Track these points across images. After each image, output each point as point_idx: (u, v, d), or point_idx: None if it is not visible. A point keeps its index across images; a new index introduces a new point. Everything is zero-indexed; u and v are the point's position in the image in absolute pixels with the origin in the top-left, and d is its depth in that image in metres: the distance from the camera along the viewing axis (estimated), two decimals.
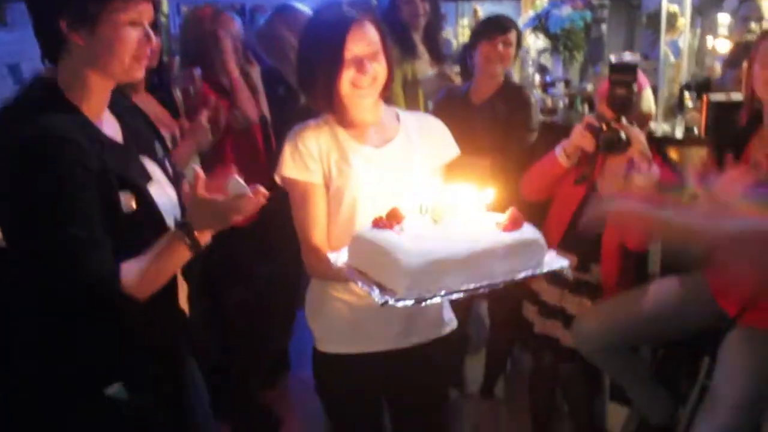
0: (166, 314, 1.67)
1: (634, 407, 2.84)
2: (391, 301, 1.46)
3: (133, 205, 1.54)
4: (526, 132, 3.14)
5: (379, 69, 1.81)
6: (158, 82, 2.91)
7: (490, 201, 1.73)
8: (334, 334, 1.95)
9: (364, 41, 1.78)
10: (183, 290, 1.74)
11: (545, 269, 1.62)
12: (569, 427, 3.10)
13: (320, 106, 1.88)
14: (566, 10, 6.81)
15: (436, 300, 1.51)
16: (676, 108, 4.11)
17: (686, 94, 3.69)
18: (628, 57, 2.34)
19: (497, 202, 1.74)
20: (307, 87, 1.89)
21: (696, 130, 3.43)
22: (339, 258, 1.70)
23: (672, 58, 4.41)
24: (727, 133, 2.31)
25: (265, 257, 3.09)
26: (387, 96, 1.95)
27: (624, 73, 2.27)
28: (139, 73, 1.58)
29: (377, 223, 1.62)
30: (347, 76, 1.78)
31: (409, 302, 1.47)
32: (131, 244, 1.54)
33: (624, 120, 2.27)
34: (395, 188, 1.81)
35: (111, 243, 1.49)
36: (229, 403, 2.80)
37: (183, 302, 1.75)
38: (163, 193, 1.66)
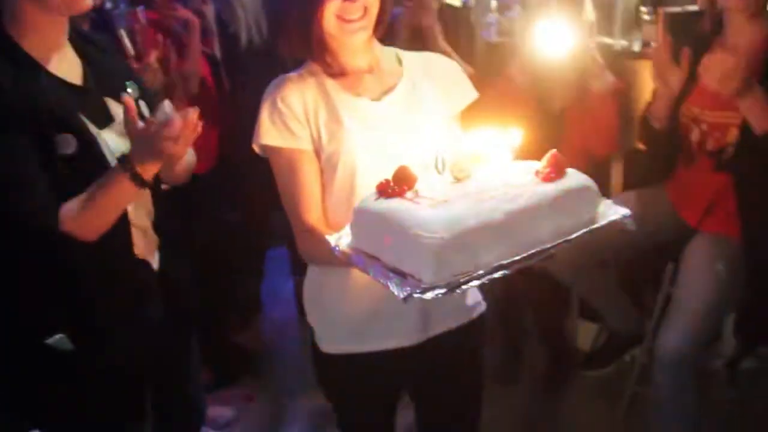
0: (119, 264, 1.62)
1: (603, 322, 2.98)
2: (416, 294, 1.11)
3: (73, 147, 1.48)
4: None
5: None
6: (102, 22, 2.72)
7: (517, 145, 1.37)
8: (339, 331, 1.60)
9: None
10: (150, 242, 1.70)
11: (604, 222, 1.27)
12: (541, 351, 3.12)
13: (298, 51, 1.52)
14: None
15: (474, 284, 1.15)
16: (633, 23, 4.00)
17: (642, 8, 3.65)
18: None
19: (526, 147, 1.38)
20: (277, 26, 1.51)
21: (653, 44, 3.29)
22: (341, 240, 1.33)
23: None
24: (686, 43, 2.25)
25: (233, 202, 3.11)
26: (384, 33, 1.57)
27: None
28: (82, 5, 1.50)
29: (383, 190, 1.26)
30: (331, 7, 1.41)
31: (440, 291, 1.11)
32: (75, 187, 1.48)
33: None
34: (401, 149, 1.45)
35: (47, 183, 1.46)
36: (204, 346, 2.70)
37: (147, 254, 1.69)
38: (123, 136, 1.55)
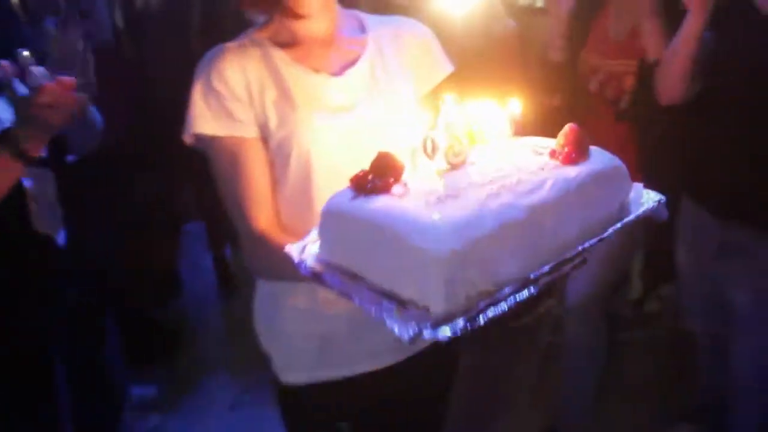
0: (15, 238, 1.58)
1: None
2: (427, 331, 0.82)
3: None
4: None
5: None
6: None
7: (518, 118, 1.09)
8: (299, 358, 1.30)
9: None
10: (54, 215, 1.66)
11: (640, 212, 1.02)
12: None
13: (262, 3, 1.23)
14: None
15: (498, 309, 0.86)
16: None
17: None
18: None
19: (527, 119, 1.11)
20: None
21: None
22: (305, 251, 1.02)
23: None
24: None
25: (144, 175, 2.96)
26: None
27: None
28: None
29: (361, 185, 0.96)
30: None
31: (458, 326, 0.82)
32: None
33: None
34: (368, 133, 1.17)
35: None
36: (123, 324, 2.63)
37: (50, 228, 1.64)
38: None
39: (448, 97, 1.06)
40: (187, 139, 1.21)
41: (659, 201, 1.04)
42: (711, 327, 2.13)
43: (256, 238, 1.19)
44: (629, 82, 2.13)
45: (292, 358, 1.31)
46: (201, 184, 3.13)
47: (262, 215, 1.20)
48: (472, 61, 2.44)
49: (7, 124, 1.42)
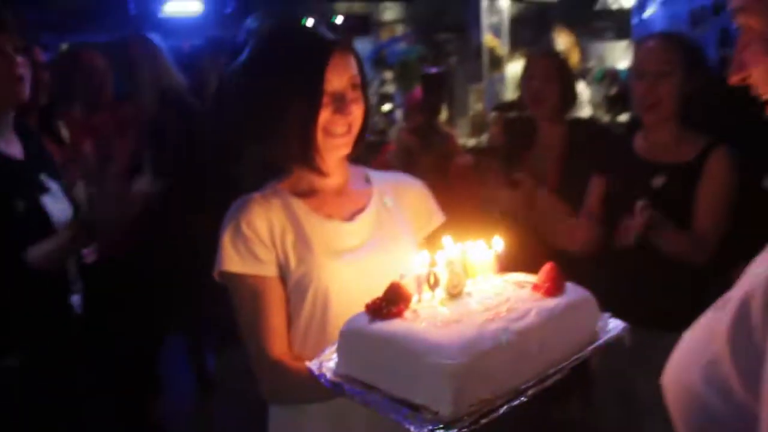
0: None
1: None
2: (439, 430, 0.97)
3: (21, 207, 1.83)
4: None
5: (357, 112, 1.37)
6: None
7: (500, 254, 1.30)
8: None
9: (348, 73, 1.36)
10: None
11: (609, 337, 1.21)
12: None
13: (291, 158, 1.42)
14: (402, 45, 7.06)
15: (495, 414, 1.03)
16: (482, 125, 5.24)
17: (491, 114, 4.33)
18: (434, 71, 3.03)
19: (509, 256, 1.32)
20: (272, 134, 1.39)
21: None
22: (323, 367, 1.18)
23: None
24: (517, 141, 2.77)
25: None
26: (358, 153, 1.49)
27: (432, 83, 2.91)
28: (19, 98, 1.89)
29: (377, 311, 1.13)
30: (321, 118, 1.33)
31: (464, 426, 0.98)
32: (24, 242, 1.81)
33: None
34: (375, 273, 1.34)
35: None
36: None
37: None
38: (56, 203, 1.94)
39: (448, 238, 1.26)
40: (215, 275, 1.38)
41: (624, 327, 1.23)
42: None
43: (272, 366, 1.34)
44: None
45: None
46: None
47: (276, 345, 1.35)
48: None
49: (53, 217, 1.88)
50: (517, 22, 6.48)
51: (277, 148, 1.39)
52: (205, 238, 3.30)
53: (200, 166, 3.29)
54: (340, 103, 1.33)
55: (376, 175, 1.54)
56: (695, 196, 2.05)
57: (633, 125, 3.16)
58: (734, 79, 0.91)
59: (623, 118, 4.54)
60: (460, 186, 3.03)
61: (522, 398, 1.06)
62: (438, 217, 1.56)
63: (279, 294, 1.37)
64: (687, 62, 2.11)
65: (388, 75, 6.36)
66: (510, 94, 5.17)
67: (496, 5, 5.94)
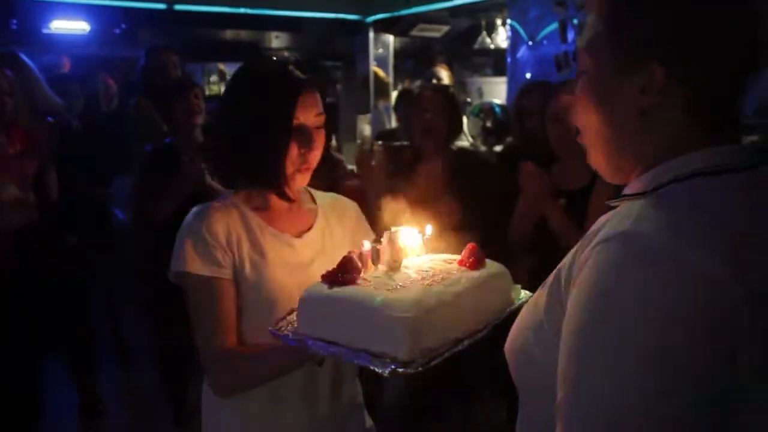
0: None
1: None
2: (400, 369, 1.18)
3: None
4: None
5: (321, 145, 1.58)
6: None
7: (430, 238, 1.54)
8: None
9: (315, 109, 1.55)
10: None
11: (517, 304, 1.46)
12: None
13: (258, 184, 1.61)
14: None
15: (441, 358, 1.25)
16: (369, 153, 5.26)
17: (376, 142, 4.43)
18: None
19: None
20: (244, 163, 1.58)
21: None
22: (283, 330, 1.36)
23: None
24: (398, 167, 3.02)
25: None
26: None
27: None
28: None
29: (334, 279, 1.33)
30: (293, 154, 1.54)
31: (419, 366, 1.20)
32: None
33: None
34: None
35: None
36: None
37: None
38: None
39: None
40: (172, 276, 1.53)
41: (529, 296, 1.49)
42: None
43: (223, 358, 1.50)
44: None
45: None
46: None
47: (227, 340, 1.52)
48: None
49: None
50: (400, 54, 6.85)
51: (252, 177, 1.58)
52: (72, 258, 3.38)
53: (72, 188, 3.37)
54: (308, 138, 1.53)
55: (318, 195, 1.75)
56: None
57: (504, 156, 3.79)
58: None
59: (497, 148, 4.92)
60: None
61: (459, 347, 1.29)
62: (370, 236, 1.76)
63: (232, 295, 1.53)
64: None
65: None
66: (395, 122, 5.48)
67: (382, 38, 6.27)
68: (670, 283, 0.83)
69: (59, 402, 3.71)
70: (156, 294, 3.45)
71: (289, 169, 1.54)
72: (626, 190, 1.02)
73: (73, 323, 3.63)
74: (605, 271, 0.88)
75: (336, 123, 5.73)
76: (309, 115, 1.53)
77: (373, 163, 3.00)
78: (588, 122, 1.06)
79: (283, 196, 1.58)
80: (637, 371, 0.82)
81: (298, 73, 1.53)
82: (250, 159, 1.54)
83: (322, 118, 1.56)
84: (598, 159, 1.08)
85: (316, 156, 1.57)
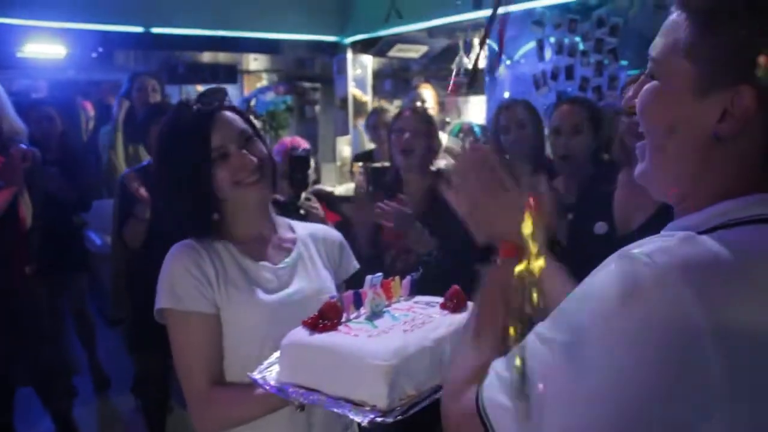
0: None
1: None
2: (379, 418, 1.19)
3: None
4: None
5: (258, 157, 1.58)
6: None
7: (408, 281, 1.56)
8: None
9: (234, 129, 1.57)
10: None
11: None
12: None
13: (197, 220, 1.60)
14: (270, 95, 7.24)
15: (420, 406, 1.25)
16: (349, 174, 5.55)
17: (355, 164, 4.66)
18: (301, 152, 3.19)
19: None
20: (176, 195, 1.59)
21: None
22: (265, 377, 1.36)
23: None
24: (382, 189, 2.98)
25: None
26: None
27: (300, 163, 3.08)
28: None
29: (314, 325, 1.33)
30: (223, 170, 1.55)
31: (398, 415, 1.20)
32: None
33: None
34: (296, 309, 1.52)
35: None
36: None
37: None
38: None
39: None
40: (157, 314, 1.53)
41: None
42: None
43: (207, 395, 1.50)
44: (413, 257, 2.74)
45: None
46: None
47: (212, 376, 1.52)
48: None
49: None
50: (379, 75, 6.88)
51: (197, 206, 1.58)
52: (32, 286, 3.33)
53: (44, 216, 3.33)
54: (233, 156, 1.54)
55: (299, 226, 1.76)
56: None
57: None
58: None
59: None
60: None
61: (439, 395, 1.29)
62: (354, 265, 1.78)
63: (218, 329, 1.54)
64: (592, 121, 2.69)
65: (257, 124, 6.56)
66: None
67: (360, 59, 6.29)
68: (647, 327, 0.76)
69: (35, 430, 3.69)
70: (131, 318, 3.45)
71: (233, 190, 1.56)
72: (675, 226, 0.90)
73: (46, 350, 3.58)
74: (599, 283, 0.82)
75: (313, 147, 5.74)
76: (226, 136, 1.54)
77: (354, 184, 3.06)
78: (649, 132, 0.92)
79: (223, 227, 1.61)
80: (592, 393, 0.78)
81: (206, 104, 1.56)
82: (190, 189, 1.55)
83: (246, 134, 1.58)
84: (647, 174, 0.94)
85: (250, 161, 1.56)
